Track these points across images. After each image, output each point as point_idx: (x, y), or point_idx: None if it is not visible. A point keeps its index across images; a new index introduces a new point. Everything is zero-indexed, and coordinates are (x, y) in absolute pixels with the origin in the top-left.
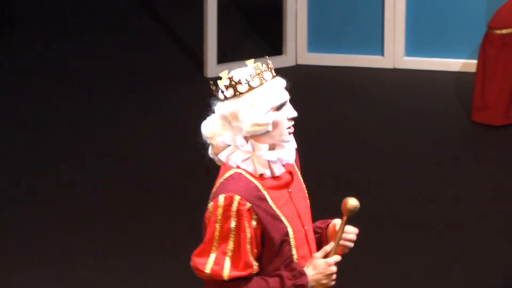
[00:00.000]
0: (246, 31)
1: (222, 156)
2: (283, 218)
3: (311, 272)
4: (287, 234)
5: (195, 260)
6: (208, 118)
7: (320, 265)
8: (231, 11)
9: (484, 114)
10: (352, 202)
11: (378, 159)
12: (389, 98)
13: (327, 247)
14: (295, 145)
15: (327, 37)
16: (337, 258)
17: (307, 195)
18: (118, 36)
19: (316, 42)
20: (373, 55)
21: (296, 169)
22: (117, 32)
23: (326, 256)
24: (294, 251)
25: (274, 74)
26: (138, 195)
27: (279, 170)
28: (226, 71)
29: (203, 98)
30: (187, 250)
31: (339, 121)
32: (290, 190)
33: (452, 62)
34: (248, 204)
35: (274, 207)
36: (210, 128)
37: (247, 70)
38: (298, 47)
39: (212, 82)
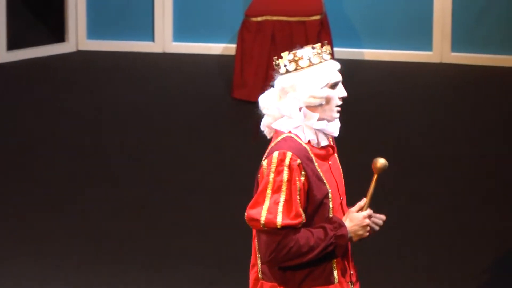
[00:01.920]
0: (33, 20)
1: (276, 125)
2: (325, 181)
3: (348, 223)
4: (327, 196)
5: (250, 212)
6: (266, 92)
7: (357, 217)
8: (19, 2)
9: (243, 91)
10: (382, 161)
11: (148, 138)
12: (160, 80)
13: (361, 202)
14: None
15: (105, 25)
16: (370, 212)
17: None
18: None
19: (95, 30)
20: (145, 41)
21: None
22: None
23: (360, 210)
24: (331, 213)
25: (332, 57)
26: None
27: (323, 142)
28: (287, 53)
29: None
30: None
31: (116, 103)
32: (330, 162)
33: (214, 46)
34: (299, 160)
35: (318, 170)
36: (267, 99)
37: (310, 50)
38: (78, 35)
39: (275, 57)
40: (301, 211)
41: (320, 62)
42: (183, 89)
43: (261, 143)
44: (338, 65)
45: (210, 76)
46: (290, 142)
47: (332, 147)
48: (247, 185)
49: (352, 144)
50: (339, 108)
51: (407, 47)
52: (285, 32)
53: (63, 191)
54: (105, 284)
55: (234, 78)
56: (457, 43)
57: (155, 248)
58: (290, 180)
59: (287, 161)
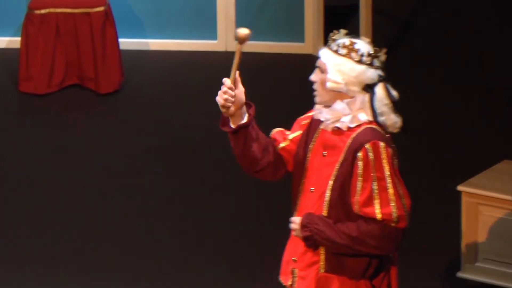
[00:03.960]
0: None
1: None
2: (306, 162)
3: None
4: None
5: None
6: None
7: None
8: None
9: (30, 84)
10: (244, 31)
11: None
12: None
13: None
14: (321, 115)
15: None
16: (228, 84)
17: (335, 167)
18: None
19: None
20: None
21: (360, 154)
22: None
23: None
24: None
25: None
26: None
27: (322, 120)
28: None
29: None
30: None
31: None
32: (310, 145)
33: None
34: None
35: (308, 149)
36: None
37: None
38: None
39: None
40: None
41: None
42: None
43: None
44: (320, 53)
45: None
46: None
47: (324, 138)
48: (33, 179)
49: (141, 133)
50: (313, 94)
51: (192, 37)
52: (69, 24)
53: None
54: None
55: (20, 71)
56: None
57: None
58: None
59: None
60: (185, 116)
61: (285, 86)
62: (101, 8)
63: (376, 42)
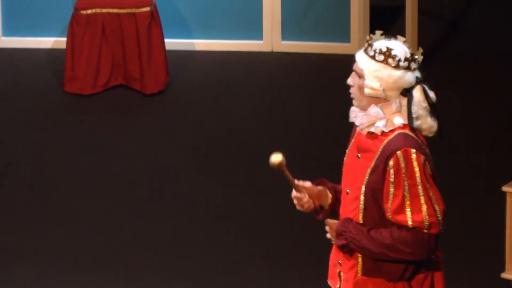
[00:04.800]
0: None
1: None
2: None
3: None
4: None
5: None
6: None
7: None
8: None
9: (75, 85)
10: (276, 159)
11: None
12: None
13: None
14: (358, 119)
15: None
16: (295, 193)
17: (367, 171)
18: None
19: None
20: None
21: (391, 162)
22: None
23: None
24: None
25: (363, 50)
26: None
27: (357, 124)
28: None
29: None
30: None
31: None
32: (347, 150)
33: (44, 40)
34: None
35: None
36: None
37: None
38: None
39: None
40: None
41: None
42: (15, 85)
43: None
44: (356, 57)
45: (41, 70)
46: None
47: (358, 140)
48: (79, 180)
49: (186, 133)
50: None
51: (237, 37)
52: (115, 25)
53: None
54: None
55: (66, 71)
56: (287, 32)
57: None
58: None
59: None
60: (230, 116)
61: (331, 87)
62: (147, 9)
63: (421, 42)
